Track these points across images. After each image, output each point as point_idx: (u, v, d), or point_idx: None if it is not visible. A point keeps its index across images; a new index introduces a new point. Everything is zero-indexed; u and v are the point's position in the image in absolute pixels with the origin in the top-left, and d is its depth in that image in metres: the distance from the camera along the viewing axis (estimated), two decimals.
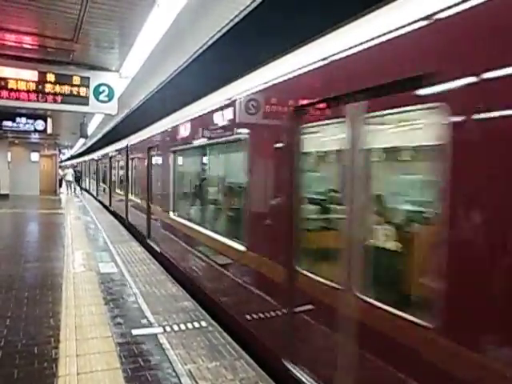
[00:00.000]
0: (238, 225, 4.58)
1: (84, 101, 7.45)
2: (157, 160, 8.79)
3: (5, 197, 18.73)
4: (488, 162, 1.83)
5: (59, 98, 7.29)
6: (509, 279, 1.75)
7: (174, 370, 3.42)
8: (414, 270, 2.73)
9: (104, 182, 20.12)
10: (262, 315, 3.80)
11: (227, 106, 4.81)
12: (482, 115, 1.84)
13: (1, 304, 4.90)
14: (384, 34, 2.40)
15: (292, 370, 3.24)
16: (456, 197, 1.97)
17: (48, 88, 7.19)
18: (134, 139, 11.91)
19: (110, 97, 7.62)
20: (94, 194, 24.87)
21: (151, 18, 5.19)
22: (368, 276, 2.55)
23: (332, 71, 2.88)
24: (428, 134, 2.25)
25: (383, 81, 2.36)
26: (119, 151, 14.71)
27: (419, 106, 2.21)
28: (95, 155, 24.93)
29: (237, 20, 5.20)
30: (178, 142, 7.11)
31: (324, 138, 3.46)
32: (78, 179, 29.85)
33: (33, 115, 12.32)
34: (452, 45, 2.01)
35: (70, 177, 26.08)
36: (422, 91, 2.12)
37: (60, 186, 25.04)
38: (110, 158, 17.19)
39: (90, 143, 29.90)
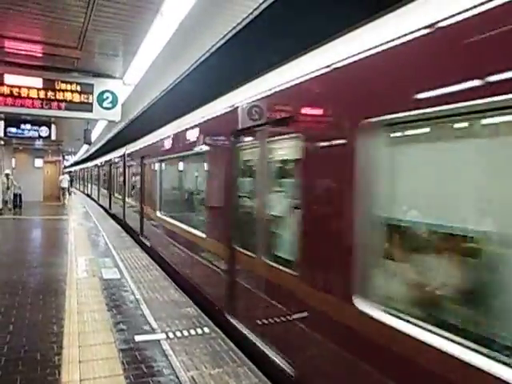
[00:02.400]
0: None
1: (88, 107, 7.53)
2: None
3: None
4: (320, 168, 3.10)
5: (63, 105, 7.37)
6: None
7: (177, 377, 3.41)
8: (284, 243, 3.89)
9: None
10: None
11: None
12: (319, 142, 3.09)
13: (4, 309, 4.91)
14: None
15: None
16: (307, 189, 3.24)
17: (52, 95, 7.28)
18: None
19: (114, 103, 7.70)
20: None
21: (155, 26, 5.26)
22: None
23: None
24: (295, 151, 3.45)
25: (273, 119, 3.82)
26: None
27: (289, 135, 3.52)
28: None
29: (239, 28, 5.25)
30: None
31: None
32: (70, 182, 29.65)
33: (37, 121, 12.41)
34: (301, 101, 3.38)
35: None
36: (289, 126, 3.46)
37: (63, 193, 24.64)
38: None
39: (93, 149, 30.06)
